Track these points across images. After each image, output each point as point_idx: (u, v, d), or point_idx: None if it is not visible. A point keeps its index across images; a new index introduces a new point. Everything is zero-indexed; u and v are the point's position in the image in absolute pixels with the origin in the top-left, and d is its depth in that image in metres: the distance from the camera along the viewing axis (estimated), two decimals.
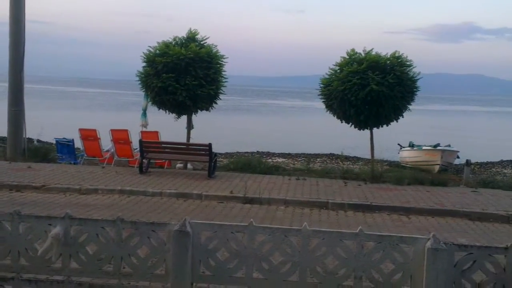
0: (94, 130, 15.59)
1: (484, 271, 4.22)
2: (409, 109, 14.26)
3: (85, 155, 15.65)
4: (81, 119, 30.20)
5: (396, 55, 13.88)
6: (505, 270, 4.21)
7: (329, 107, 14.48)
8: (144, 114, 16.57)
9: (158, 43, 14.42)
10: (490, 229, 9.64)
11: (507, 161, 23.61)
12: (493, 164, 22.57)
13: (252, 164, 14.96)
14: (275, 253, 4.15)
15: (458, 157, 18.62)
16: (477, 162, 21.78)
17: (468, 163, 14.42)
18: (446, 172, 17.44)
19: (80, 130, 15.63)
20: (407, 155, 19.71)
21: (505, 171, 20.57)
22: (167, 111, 14.67)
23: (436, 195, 11.96)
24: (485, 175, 16.91)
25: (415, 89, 13.93)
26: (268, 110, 73.97)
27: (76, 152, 16.16)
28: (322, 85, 14.56)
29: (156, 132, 15.51)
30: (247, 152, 23.41)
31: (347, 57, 14.20)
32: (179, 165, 15.19)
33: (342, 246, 4.22)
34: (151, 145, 13.89)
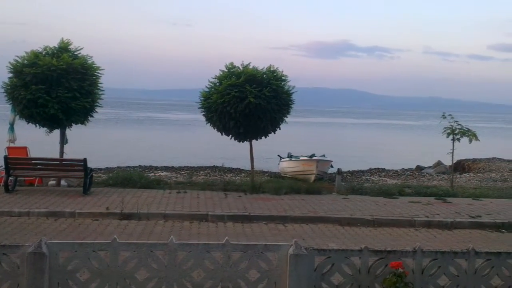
0: None
1: (341, 273, 4.51)
2: (285, 121, 14.87)
3: None
4: None
5: (272, 69, 14.44)
6: (360, 271, 4.53)
7: (209, 119, 14.62)
8: (12, 128, 15.32)
9: (26, 53, 13.54)
10: (357, 233, 10.34)
11: (375, 169, 25.58)
12: (363, 172, 24.31)
13: (132, 178, 14.50)
14: (140, 270, 4.06)
15: (332, 166, 19.75)
16: (349, 171, 23.31)
17: (339, 171, 15.35)
18: (321, 180, 18.41)
19: None
20: (286, 166, 20.49)
21: (373, 178, 22.24)
22: (37, 125, 13.79)
23: (310, 203, 12.57)
24: (355, 183, 18.08)
25: (290, 102, 14.58)
26: (152, 123, 72.60)
27: None
28: (202, 98, 14.67)
29: (25, 148, 14.44)
30: (128, 167, 22.70)
31: (226, 70, 14.47)
32: (51, 182, 14.26)
33: (209, 257, 4.26)
34: (19, 162, 12.92)
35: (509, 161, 30.47)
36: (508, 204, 13.53)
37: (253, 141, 14.85)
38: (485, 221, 11.39)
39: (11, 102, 13.69)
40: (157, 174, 20.23)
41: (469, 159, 29.52)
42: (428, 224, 11.15)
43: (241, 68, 14.40)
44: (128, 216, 10.61)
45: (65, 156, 14.05)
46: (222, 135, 14.91)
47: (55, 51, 13.71)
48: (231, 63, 14.63)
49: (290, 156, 21.09)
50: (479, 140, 15.78)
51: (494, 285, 4.88)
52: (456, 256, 4.86)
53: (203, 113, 14.75)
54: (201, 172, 22.12)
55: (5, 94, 13.52)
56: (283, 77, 14.52)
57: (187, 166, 24.10)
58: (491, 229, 11.06)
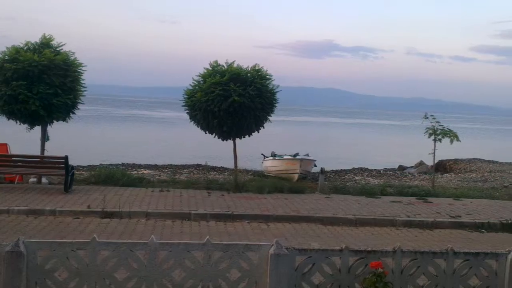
0: None
1: (322, 273, 4.52)
2: (269, 120, 14.87)
3: None
4: None
5: (256, 68, 14.42)
6: (340, 271, 4.56)
7: (193, 117, 14.56)
8: None
9: (7, 48, 13.35)
10: (339, 233, 10.39)
11: (358, 168, 25.75)
12: (346, 171, 24.43)
13: (115, 176, 14.40)
14: (120, 269, 4.03)
15: (315, 165, 19.84)
16: (332, 170, 23.41)
17: (322, 171, 15.40)
18: (305, 180, 18.46)
19: None
20: (269, 165, 20.52)
21: (356, 177, 22.37)
22: (18, 121, 13.63)
23: (293, 202, 12.60)
24: (338, 182, 18.18)
25: (274, 101, 14.59)
26: (136, 121, 72.08)
27: None
28: (186, 96, 14.60)
29: (5, 145, 14.24)
30: (111, 164, 22.50)
31: (210, 68, 14.43)
32: (32, 179, 14.08)
33: (190, 257, 4.24)
34: None
35: (489, 161, 30.96)
36: (488, 205, 13.73)
37: (237, 140, 14.83)
38: (465, 221, 11.54)
39: None
40: (140, 172, 20.09)
41: (450, 160, 29.91)
42: (409, 224, 11.26)
43: (225, 67, 14.37)
44: (109, 215, 10.51)
45: (46, 153, 13.89)
46: (206, 133, 14.86)
47: (36, 47, 13.54)
48: (216, 61, 14.60)
49: (273, 155, 21.12)
50: (460, 141, 15.98)
51: (472, 285, 4.95)
52: (435, 256, 4.91)
53: (187, 111, 14.69)
54: (185, 170, 22.04)
55: None
56: (267, 76, 14.52)
57: (171, 164, 23.99)
58: (471, 229, 11.20)
